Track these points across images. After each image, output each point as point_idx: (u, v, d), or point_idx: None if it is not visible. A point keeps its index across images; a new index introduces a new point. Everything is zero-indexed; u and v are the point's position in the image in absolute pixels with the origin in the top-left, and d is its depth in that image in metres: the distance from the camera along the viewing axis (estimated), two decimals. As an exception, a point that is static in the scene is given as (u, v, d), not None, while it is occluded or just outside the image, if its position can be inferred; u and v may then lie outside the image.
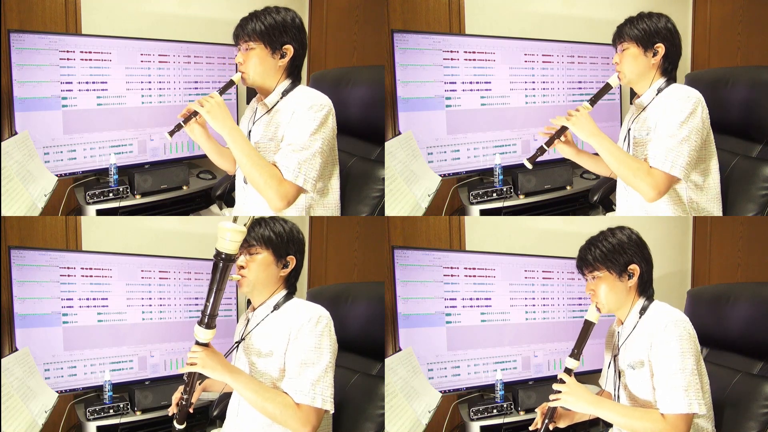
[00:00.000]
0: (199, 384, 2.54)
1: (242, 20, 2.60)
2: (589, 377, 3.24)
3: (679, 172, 2.54)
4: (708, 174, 2.65)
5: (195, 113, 2.55)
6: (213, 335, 2.37)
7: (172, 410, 2.52)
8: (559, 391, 2.47)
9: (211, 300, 2.35)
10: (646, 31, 2.64)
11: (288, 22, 2.60)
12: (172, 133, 2.56)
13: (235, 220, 2.32)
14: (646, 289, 2.52)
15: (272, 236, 2.46)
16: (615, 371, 2.53)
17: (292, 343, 2.40)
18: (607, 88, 2.69)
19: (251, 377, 2.42)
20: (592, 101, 2.68)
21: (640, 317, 2.48)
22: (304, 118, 2.56)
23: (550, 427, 2.57)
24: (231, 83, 2.61)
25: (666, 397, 2.36)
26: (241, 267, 2.46)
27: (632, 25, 2.67)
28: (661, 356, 2.39)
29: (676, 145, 2.55)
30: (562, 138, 2.70)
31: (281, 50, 2.59)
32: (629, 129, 2.70)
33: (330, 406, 2.40)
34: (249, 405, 2.41)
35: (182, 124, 2.56)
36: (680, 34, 2.69)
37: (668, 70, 2.67)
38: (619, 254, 2.46)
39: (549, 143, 2.68)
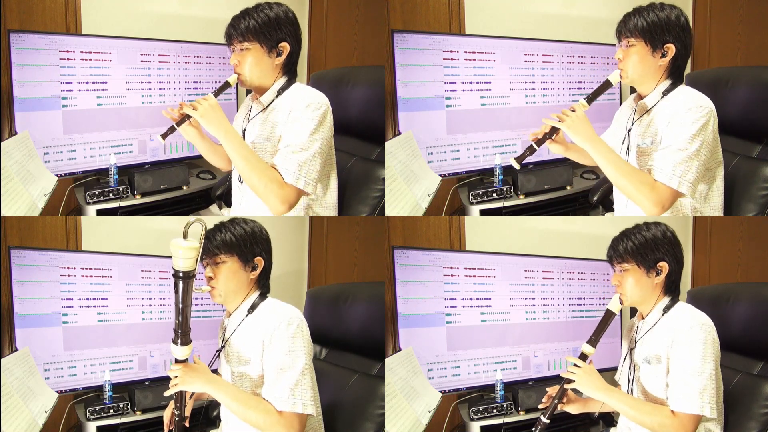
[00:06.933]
0: (190, 398, 2.50)
1: (234, 19, 2.50)
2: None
3: (687, 189, 2.41)
4: (713, 182, 2.54)
5: (188, 116, 2.48)
6: (190, 350, 2.35)
7: (167, 427, 2.50)
8: (573, 373, 2.47)
9: (180, 318, 2.30)
10: (656, 27, 2.41)
11: (282, 17, 2.50)
12: (164, 136, 2.50)
13: (185, 235, 2.24)
14: (672, 288, 2.49)
15: (234, 240, 2.38)
16: (630, 364, 2.52)
17: (267, 349, 2.36)
18: (606, 85, 2.49)
19: (233, 387, 2.38)
20: (590, 99, 2.48)
21: (662, 315, 2.47)
22: (302, 118, 2.49)
23: (559, 408, 2.57)
24: (227, 85, 2.53)
25: (679, 396, 2.36)
26: (210, 278, 2.40)
27: (641, 17, 2.43)
28: (682, 356, 2.38)
29: (685, 159, 2.39)
30: (554, 136, 2.52)
31: (277, 48, 2.50)
32: (629, 130, 2.55)
33: (311, 410, 2.35)
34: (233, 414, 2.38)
35: (175, 126, 2.49)
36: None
37: (676, 72, 2.49)
38: (651, 250, 2.43)
39: (539, 143, 2.51)
